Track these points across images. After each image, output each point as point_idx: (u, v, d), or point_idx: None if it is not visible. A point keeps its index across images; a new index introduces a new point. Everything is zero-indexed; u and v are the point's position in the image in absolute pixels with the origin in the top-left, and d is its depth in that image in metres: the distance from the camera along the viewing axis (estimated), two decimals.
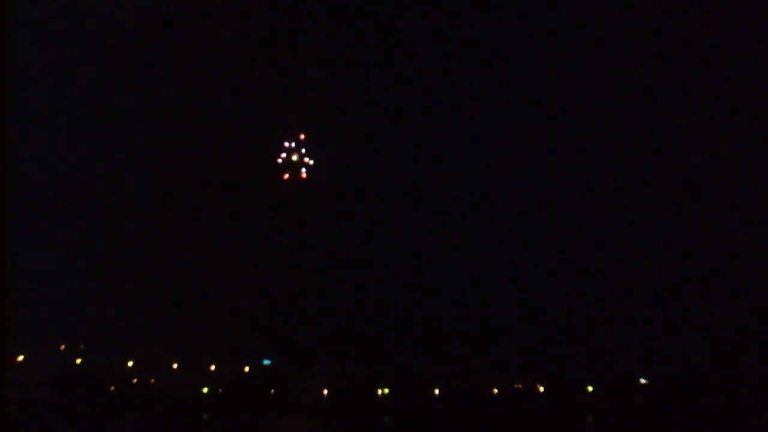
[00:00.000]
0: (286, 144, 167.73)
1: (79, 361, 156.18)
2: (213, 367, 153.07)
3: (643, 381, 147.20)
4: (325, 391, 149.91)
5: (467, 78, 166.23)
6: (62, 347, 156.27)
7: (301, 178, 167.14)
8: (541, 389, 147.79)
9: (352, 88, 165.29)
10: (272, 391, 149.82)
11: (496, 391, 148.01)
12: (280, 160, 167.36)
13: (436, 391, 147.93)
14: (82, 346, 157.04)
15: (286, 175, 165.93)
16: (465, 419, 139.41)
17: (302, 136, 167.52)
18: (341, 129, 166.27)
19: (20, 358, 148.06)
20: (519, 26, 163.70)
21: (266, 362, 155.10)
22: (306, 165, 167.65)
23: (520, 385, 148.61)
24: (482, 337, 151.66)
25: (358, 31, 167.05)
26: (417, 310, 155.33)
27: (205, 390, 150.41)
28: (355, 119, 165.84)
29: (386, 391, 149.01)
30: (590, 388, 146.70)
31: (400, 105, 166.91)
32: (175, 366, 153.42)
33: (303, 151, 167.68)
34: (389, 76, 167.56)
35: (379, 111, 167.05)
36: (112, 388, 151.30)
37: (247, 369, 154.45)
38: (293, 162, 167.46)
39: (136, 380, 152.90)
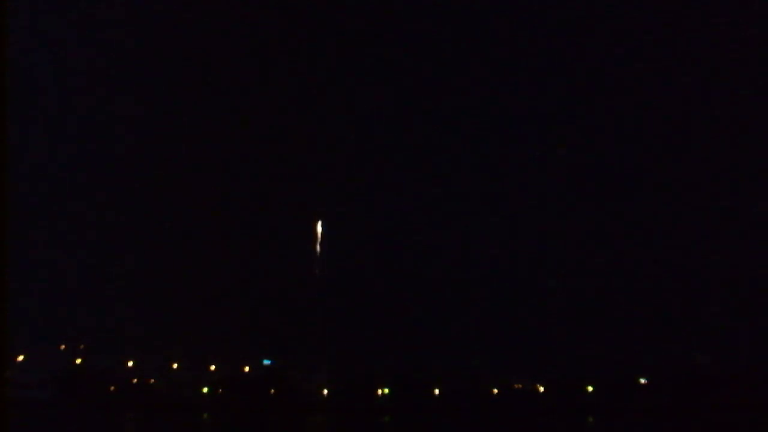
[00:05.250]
0: None
1: (79, 361, 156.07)
2: (213, 367, 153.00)
3: (643, 381, 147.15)
4: (325, 391, 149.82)
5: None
6: (62, 347, 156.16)
7: None
8: (541, 389, 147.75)
9: None
10: (272, 391, 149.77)
11: (496, 391, 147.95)
12: None
13: (436, 391, 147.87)
14: (82, 346, 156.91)
15: None
16: (465, 419, 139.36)
17: None
18: None
19: (20, 358, 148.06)
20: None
21: (266, 362, 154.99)
22: None
23: (520, 385, 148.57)
24: (482, 337, 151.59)
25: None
26: (417, 310, 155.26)
27: (205, 390, 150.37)
28: None
29: (386, 391, 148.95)
30: (590, 388, 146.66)
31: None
32: (175, 366, 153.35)
33: None
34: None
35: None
36: (112, 388, 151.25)
37: (247, 369, 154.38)
38: None
39: (136, 380, 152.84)
